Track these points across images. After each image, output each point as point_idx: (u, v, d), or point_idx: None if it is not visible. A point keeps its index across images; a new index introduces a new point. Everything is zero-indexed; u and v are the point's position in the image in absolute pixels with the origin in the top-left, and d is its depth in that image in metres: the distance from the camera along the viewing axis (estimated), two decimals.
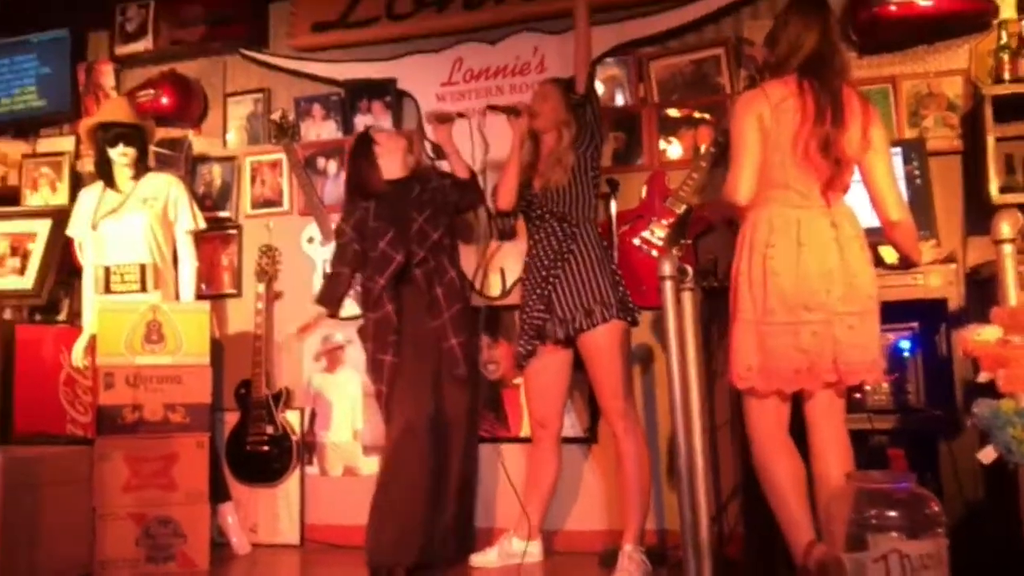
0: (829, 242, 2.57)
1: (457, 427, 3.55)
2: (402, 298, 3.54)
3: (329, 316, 3.68)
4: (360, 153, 3.70)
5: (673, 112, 3.92)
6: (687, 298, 2.79)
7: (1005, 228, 2.27)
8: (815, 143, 2.58)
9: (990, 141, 3.30)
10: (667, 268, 2.70)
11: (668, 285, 2.70)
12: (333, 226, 4.20)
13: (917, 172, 3.34)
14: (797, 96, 2.63)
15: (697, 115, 3.87)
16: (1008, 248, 2.28)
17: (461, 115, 3.75)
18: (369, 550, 3.37)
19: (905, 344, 3.10)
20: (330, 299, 3.65)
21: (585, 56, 3.54)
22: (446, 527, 3.50)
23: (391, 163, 3.69)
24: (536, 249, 3.51)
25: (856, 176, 2.71)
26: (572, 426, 3.86)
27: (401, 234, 3.54)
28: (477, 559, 3.54)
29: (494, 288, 4.07)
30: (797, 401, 2.69)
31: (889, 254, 3.12)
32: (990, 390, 2.29)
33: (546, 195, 3.47)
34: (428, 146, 3.96)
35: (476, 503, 3.76)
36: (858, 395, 2.99)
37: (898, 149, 3.34)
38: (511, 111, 3.58)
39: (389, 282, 3.51)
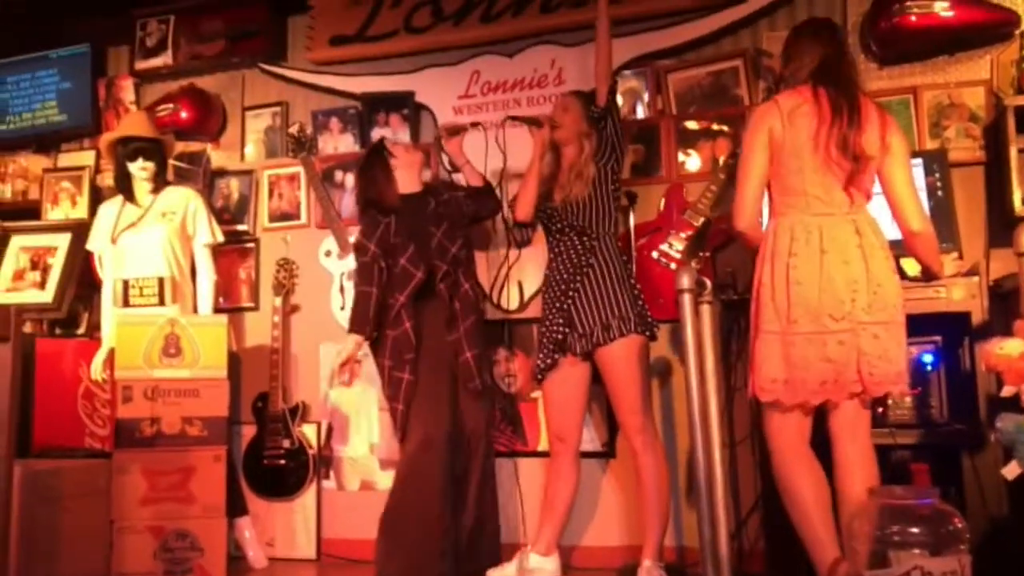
0: (853, 249, 2.55)
1: (476, 440, 3.54)
2: (422, 314, 3.53)
3: (365, 340, 3.58)
4: (374, 165, 3.67)
5: (691, 124, 3.91)
6: (705, 311, 2.77)
7: None
8: (833, 142, 2.58)
9: (1013, 152, 3.27)
10: (686, 281, 2.68)
11: (687, 298, 2.68)
12: (351, 239, 4.20)
13: (939, 184, 3.30)
14: (812, 102, 2.63)
15: (715, 127, 3.85)
16: None
17: (475, 125, 3.74)
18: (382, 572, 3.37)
19: (928, 358, 3.06)
20: (363, 323, 3.53)
21: (606, 69, 3.52)
22: (467, 542, 3.48)
23: (407, 177, 3.68)
24: (556, 263, 3.50)
25: (877, 188, 2.69)
26: (590, 440, 3.83)
27: (421, 249, 3.53)
28: (495, 574, 3.51)
29: (512, 301, 4.06)
30: (821, 415, 2.66)
31: (911, 266, 3.09)
32: (1014, 404, 2.25)
33: (566, 208, 3.45)
34: (444, 159, 3.95)
35: (499, 517, 3.70)
36: (880, 409, 2.95)
37: (919, 160, 3.32)
38: (532, 122, 3.57)
39: (409, 299, 3.49)
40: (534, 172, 3.54)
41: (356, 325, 3.54)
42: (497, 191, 3.86)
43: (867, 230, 2.58)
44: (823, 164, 2.60)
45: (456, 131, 3.72)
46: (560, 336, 3.39)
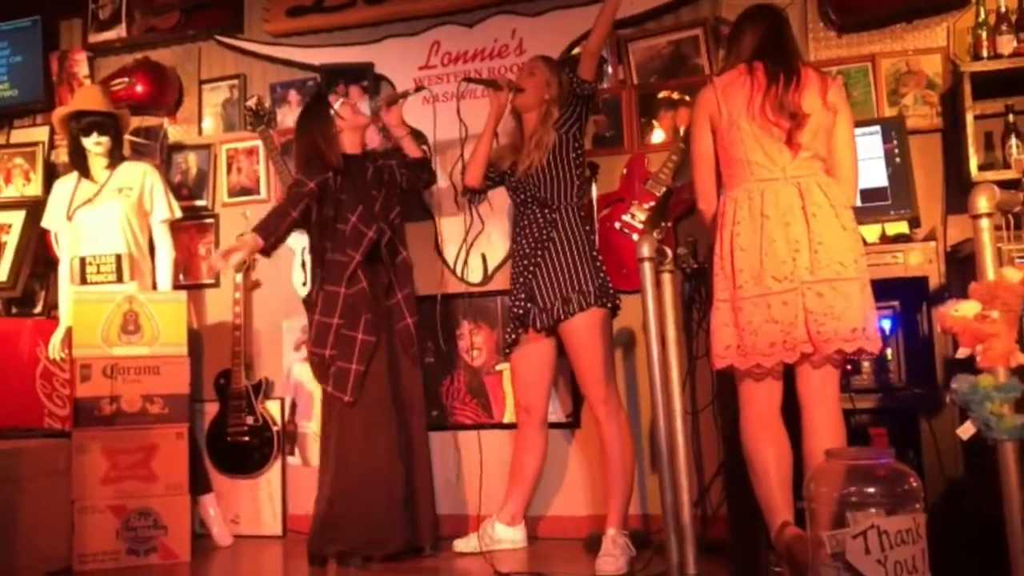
0: (796, 211, 2.57)
1: (416, 409, 3.57)
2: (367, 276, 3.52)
3: (261, 252, 3.47)
4: (318, 119, 3.59)
5: (652, 94, 3.89)
6: (666, 280, 2.79)
7: (982, 203, 2.24)
8: (769, 105, 2.62)
9: (969, 119, 3.29)
10: (646, 249, 2.70)
11: (647, 267, 2.69)
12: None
13: (897, 151, 3.32)
14: (745, 74, 2.71)
15: (676, 96, 3.84)
16: (985, 223, 2.26)
17: (418, 89, 3.75)
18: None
19: (886, 323, 3.08)
20: (269, 232, 3.42)
21: (601, 44, 3.52)
22: (409, 510, 3.48)
23: (350, 139, 3.65)
24: (519, 236, 3.49)
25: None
26: (555, 412, 3.84)
27: (368, 211, 3.51)
28: (461, 544, 3.53)
29: (475, 274, 4.05)
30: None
31: (869, 233, 3.13)
32: (969, 366, 2.28)
33: (528, 179, 3.43)
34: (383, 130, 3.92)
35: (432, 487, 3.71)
36: (849, 367, 2.97)
37: (877, 128, 3.34)
38: (491, 84, 3.55)
39: (363, 258, 3.46)
40: (487, 136, 3.53)
41: (263, 230, 3.42)
42: (436, 161, 3.88)
43: (813, 190, 2.60)
44: (761, 128, 2.65)
45: (394, 100, 3.72)
46: (522, 311, 3.40)
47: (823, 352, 2.55)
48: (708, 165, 2.80)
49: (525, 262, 3.42)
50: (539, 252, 3.39)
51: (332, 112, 3.62)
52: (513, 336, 3.46)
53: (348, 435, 3.44)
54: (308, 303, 3.59)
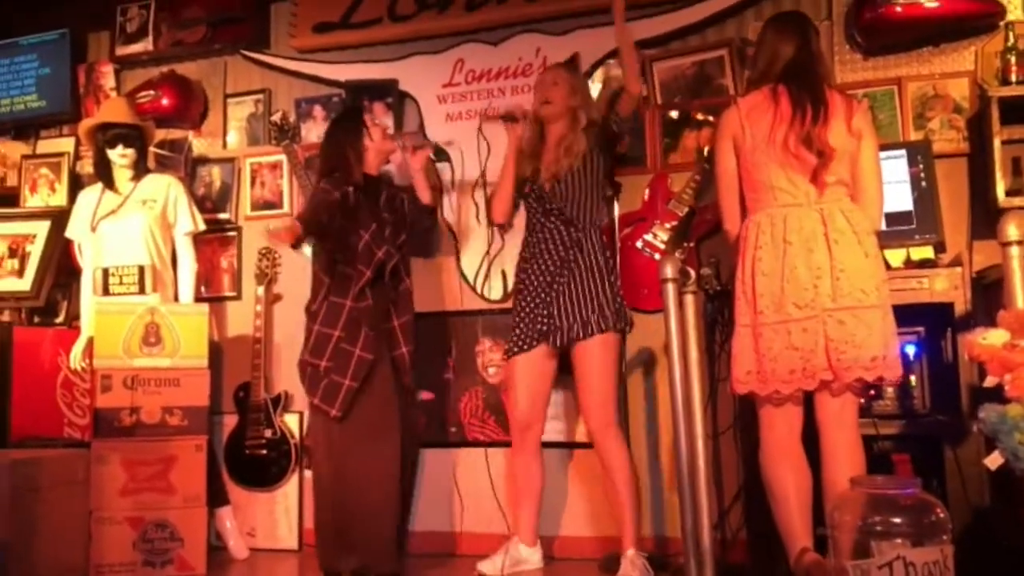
0: (819, 237, 2.56)
1: (391, 434, 3.45)
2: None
3: (308, 235, 3.48)
4: (351, 133, 3.59)
5: (676, 114, 3.88)
6: (689, 301, 2.77)
7: (1012, 230, 2.23)
8: (794, 138, 2.61)
9: (996, 144, 3.26)
10: (669, 270, 2.68)
11: (670, 287, 2.68)
12: None
13: (922, 175, 3.30)
14: (769, 99, 2.69)
15: (700, 117, 3.82)
16: (1015, 250, 2.25)
17: (449, 143, 3.83)
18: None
19: (910, 349, 3.06)
20: (316, 224, 3.39)
21: (640, 82, 3.50)
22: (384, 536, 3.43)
23: (372, 160, 3.63)
24: (539, 249, 3.45)
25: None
26: (568, 431, 3.83)
27: (380, 231, 3.51)
28: (484, 566, 3.48)
29: (495, 291, 4.04)
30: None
31: (895, 258, 3.11)
32: (997, 395, 2.25)
33: (554, 192, 3.41)
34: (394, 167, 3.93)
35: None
36: (872, 392, 2.95)
37: (903, 151, 3.33)
38: (507, 118, 3.53)
39: (373, 275, 3.45)
40: (509, 172, 3.52)
41: (312, 222, 3.38)
42: (457, 184, 3.94)
43: (836, 217, 2.58)
44: (783, 158, 2.64)
45: (420, 146, 3.75)
46: (543, 327, 3.37)
47: (843, 380, 2.53)
48: (732, 186, 2.80)
49: (548, 279, 3.39)
50: (563, 272, 3.36)
51: (365, 129, 3.61)
52: (525, 346, 3.42)
53: (338, 450, 3.39)
54: (309, 312, 3.56)
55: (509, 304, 3.99)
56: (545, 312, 3.38)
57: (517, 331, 3.46)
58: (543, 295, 3.39)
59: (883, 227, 2.86)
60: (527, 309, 3.45)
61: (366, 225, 3.47)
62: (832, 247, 2.54)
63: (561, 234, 3.41)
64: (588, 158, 3.41)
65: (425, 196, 3.73)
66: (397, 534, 3.45)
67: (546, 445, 3.65)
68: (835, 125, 2.62)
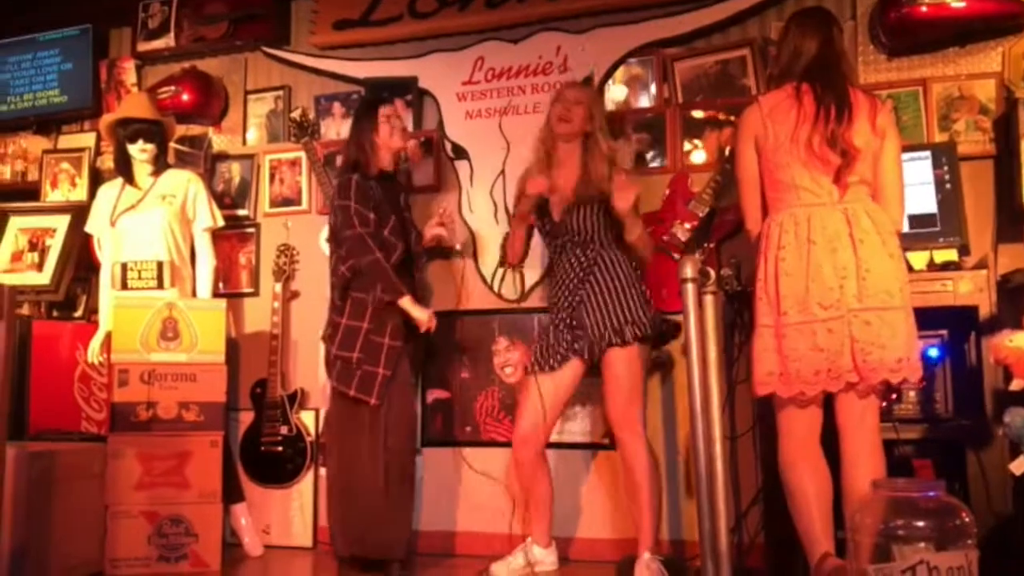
0: (843, 237, 2.53)
1: (408, 426, 3.53)
2: None
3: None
4: (365, 128, 3.56)
5: (697, 114, 3.85)
6: (709, 302, 2.73)
7: None
8: (818, 138, 2.58)
9: (1023, 146, 3.21)
10: (689, 270, 2.65)
11: (690, 287, 2.65)
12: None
13: (947, 177, 3.26)
14: (793, 98, 2.66)
15: (722, 117, 3.80)
16: None
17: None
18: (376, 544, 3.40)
19: (933, 352, 3.02)
20: (394, 286, 3.38)
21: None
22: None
23: (385, 156, 3.59)
24: (559, 275, 3.44)
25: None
26: (588, 432, 3.80)
27: (400, 225, 3.52)
28: (498, 568, 3.45)
29: (511, 291, 4.02)
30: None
31: (917, 260, 3.07)
32: (1022, 399, 2.21)
33: (564, 223, 3.38)
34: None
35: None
36: (893, 396, 2.91)
37: (928, 153, 3.29)
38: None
39: (394, 268, 3.43)
40: (522, 224, 3.51)
41: (390, 291, 3.37)
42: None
43: (860, 217, 2.55)
44: (807, 158, 2.61)
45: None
46: (574, 343, 3.34)
47: (869, 382, 2.50)
48: (754, 186, 2.77)
49: (569, 298, 3.37)
50: (583, 287, 3.34)
51: (376, 124, 3.57)
52: (552, 362, 3.37)
53: (375, 437, 3.39)
54: (334, 306, 3.54)
55: (526, 304, 3.99)
56: (572, 326, 3.35)
57: (542, 346, 3.42)
58: (567, 312, 3.37)
59: (906, 229, 2.83)
60: (552, 326, 3.43)
61: (386, 220, 3.47)
62: (857, 247, 2.51)
63: (578, 257, 3.38)
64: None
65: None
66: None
67: (567, 446, 3.64)
68: (859, 125, 2.59)
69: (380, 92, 4.20)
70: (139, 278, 3.91)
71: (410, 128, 4.10)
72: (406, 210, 3.63)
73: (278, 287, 4.21)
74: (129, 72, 4.76)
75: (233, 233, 4.45)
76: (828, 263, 2.52)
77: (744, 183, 2.81)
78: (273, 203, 4.46)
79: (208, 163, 4.55)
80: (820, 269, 2.53)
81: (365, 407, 3.36)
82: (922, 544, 1.76)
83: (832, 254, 2.53)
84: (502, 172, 3.91)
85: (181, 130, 4.47)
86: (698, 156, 3.85)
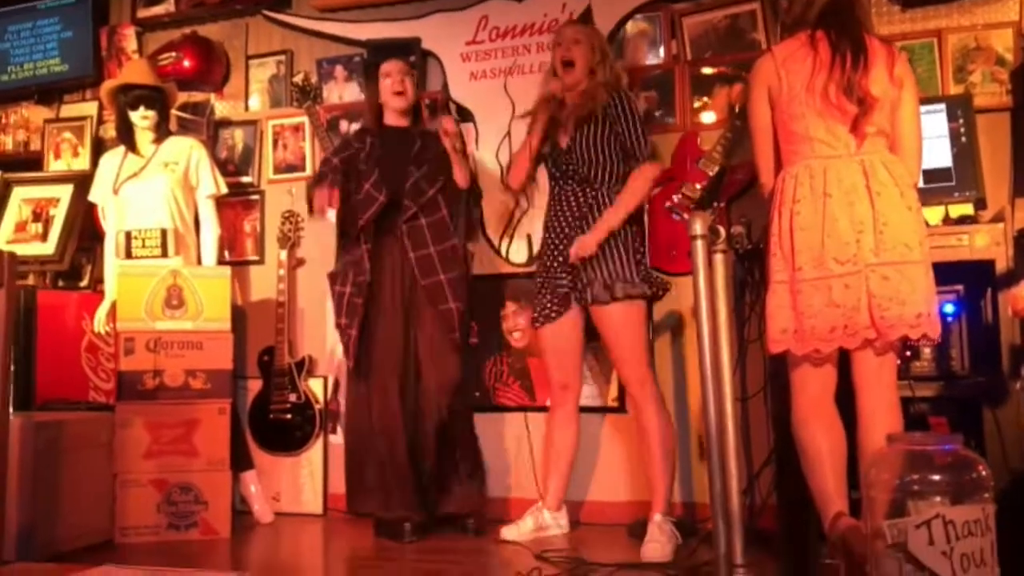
0: (860, 189, 2.45)
1: (451, 391, 3.53)
2: (382, 248, 3.54)
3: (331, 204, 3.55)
4: (370, 87, 3.68)
5: (706, 70, 3.78)
6: (719, 260, 2.67)
7: None
8: (835, 86, 2.49)
9: None
10: (698, 227, 2.58)
11: (699, 245, 2.58)
12: None
13: (963, 130, 3.18)
14: (808, 46, 2.57)
15: (732, 73, 3.72)
16: None
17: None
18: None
19: (949, 308, 2.95)
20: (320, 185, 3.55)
21: None
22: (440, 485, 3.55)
23: (391, 113, 3.63)
24: (556, 212, 3.40)
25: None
26: (598, 396, 3.77)
27: (386, 178, 3.50)
28: (509, 532, 3.44)
29: (520, 255, 3.97)
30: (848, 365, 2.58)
31: (932, 215, 3.00)
32: None
33: (571, 152, 3.34)
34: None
35: (479, 464, 3.70)
36: (908, 353, 2.85)
37: (943, 106, 3.21)
38: (542, 109, 3.40)
39: (368, 223, 3.48)
40: (531, 148, 3.42)
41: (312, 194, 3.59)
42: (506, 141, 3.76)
43: (878, 169, 2.48)
44: (823, 107, 2.53)
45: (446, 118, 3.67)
46: (564, 291, 3.32)
47: (887, 338, 2.44)
48: (767, 138, 2.69)
49: (564, 240, 3.34)
50: (579, 232, 3.30)
51: (378, 81, 3.60)
52: (552, 313, 3.37)
53: (357, 407, 3.57)
54: (330, 276, 3.68)
55: (534, 268, 3.94)
56: (565, 273, 3.31)
57: (540, 300, 3.41)
58: (561, 258, 3.33)
59: (921, 184, 2.76)
60: (547, 275, 3.40)
61: (368, 176, 3.51)
62: (875, 200, 2.44)
63: (577, 196, 3.34)
64: (605, 112, 3.31)
65: (458, 177, 3.61)
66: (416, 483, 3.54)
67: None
68: (876, 73, 2.51)
69: (381, 54, 4.13)
70: (143, 246, 3.88)
71: (412, 90, 4.03)
72: (415, 164, 3.56)
73: (283, 254, 4.17)
74: (130, 39, 4.71)
75: (237, 200, 4.41)
76: (844, 216, 2.45)
77: (757, 136, 2.73)
78: (277, 169, 4.41)
79: (211, 130, 4.51)
80: (836, 223, 2.46)
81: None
82: (938, 498, 1.72)
83: (849, 207, 2.46)
84: (508, 134, 3.85)
85: (183, 97, 4.42)
86: (707, 113, 3.77)
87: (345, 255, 3.57)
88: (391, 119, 3.64)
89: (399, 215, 3.52)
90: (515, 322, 3.96)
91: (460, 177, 3.60)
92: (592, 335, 3.42)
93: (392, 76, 3.60)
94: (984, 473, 1.75)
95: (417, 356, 3.55)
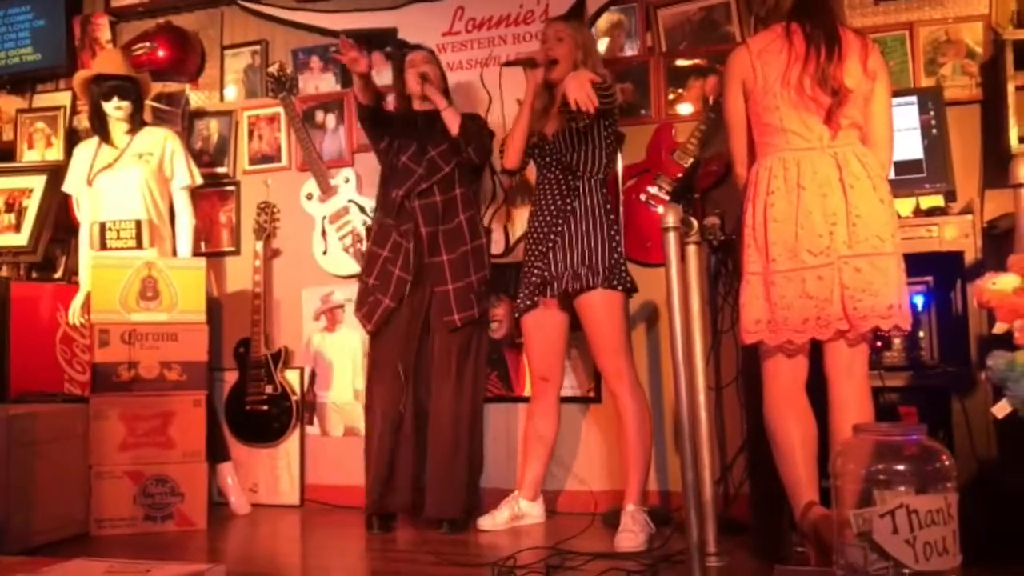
0: (832, 182, 2.48)
1: (445, 376, 3.50)
2: (402, 223, 3.56)
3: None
4: (398, 77, 3.80)
5: (681, 62, 3.79)
6: (692, 251, 2.70)
7: (1023, 171, 2.16)
8: (809, 77, 2.52)
9: (1010, 89, 3.17)
10: (671, 219, 2.60)
11: (672, 237, 2.60)
12: (333, 182, 4.13)
13: (933, 122, 3.21)
14: (783, 38, 2.59)
15: (706, 64, 3.74)
16: None
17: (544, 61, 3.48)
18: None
19: (919, 299, 2.99)
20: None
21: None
22: (433, 478, 3.49)
23: (418, 100, 3.67)
24: (540, 200, 3.43)
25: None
26: (575, 386, 3.78)
27: (419, 154, 3.56)
28: (485, 522, 3.46)
29: (497, 245, 3.98)
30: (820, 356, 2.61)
31: (903, 207, 3.03)
32: (1006, 342, 2.19)
33: (555, 141, 3.36)
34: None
35: (481, 459, 3.68)
36: (879, 344, 2.88)
37: (914, 98, 3.23)
38: (529, 63, 3.41)
39: (406, 195, 3.53)
40: (525, 116, 3.43)
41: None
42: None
43: (851, 161, 2.50)
44: (798, 99, 2.55)
45: (425, 78, 3.59)
46: (539, 279, 3.34)
47: (859, 329, 2.47)
48: (742, 130, 2.72)
49: (545, 230, 3.36)
50: (559, 222, 3.32)
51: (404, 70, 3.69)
52: (529, 302, 3.40)
53: (369, 383, 3.65)
54: (367, 229, 3.93)
55: (512, 258, 3.95)
56: (541, 264, 3.34)
57: (522, 290, 3.43)
58: (541, 247, 3.36)
59: (892, 175, 2.78)
60: (528, 264, 3.43)
61: (406, 148, 3.57)
62: (848, 192, 2.46)
63: (559, 183, 3.36)
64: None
65: (451, 124, 3.53)
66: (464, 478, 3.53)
67: None
68: (850, 65, 2.53)
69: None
70: (118, 238, 3.87)
71: (390, 80, 4.04)
72: (432, 143, 3.57)
73: (259, 246, 4.16)
74: (103, 28, 4.66)
75: (213, 191, 4.39)
76: (818, 209, 2.48)
77: (732, 127, 2.76)
78: (252, 160, 4.40)
79: (186, 121, 4.49)
80: (809, 215, 2.48)
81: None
82: (902, 488, 1.74)
83: (822, 199, 2.48)
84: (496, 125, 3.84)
85: (158, 87, 4.40)
86: (682, 105, 3.79)
87: (382, 215, 3.62)
88: (417, 104, 3.66)
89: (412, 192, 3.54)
90: (492, 312, 3.97)
91: (450, 122, 3.53)
92: (576, 327, 3.43)
93: (416, 66, 3.62)
94: (948, 463, 1.78)
95: (424, 339, 3.56)
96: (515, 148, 3.48)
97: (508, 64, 3.54)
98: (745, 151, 2.74)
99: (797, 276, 2.49)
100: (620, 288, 3.28)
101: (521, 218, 3.93)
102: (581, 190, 3.32)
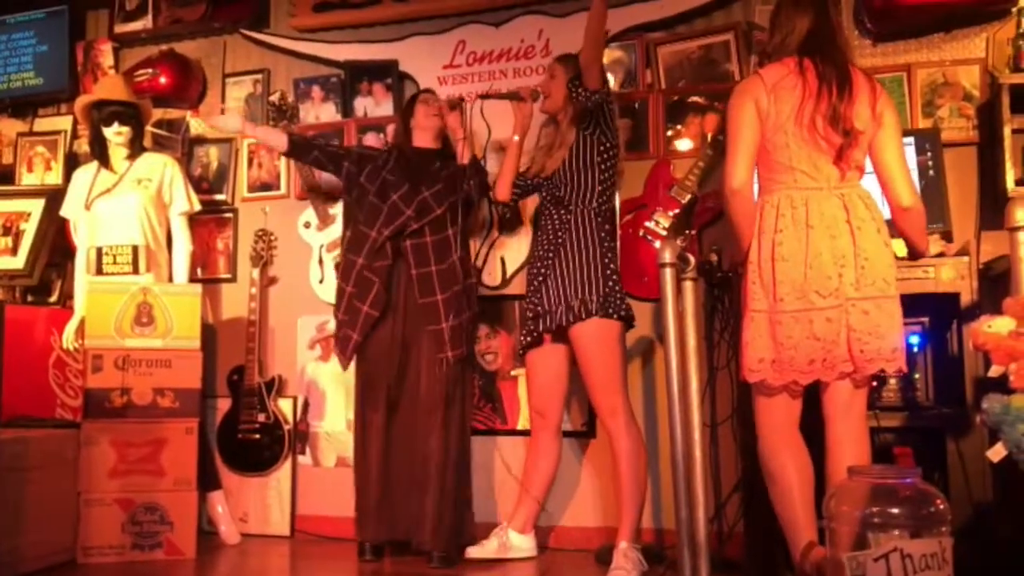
0: (841, 224, 2.47)
1: (435, 411, 3.47)
2: (393, 263, 3.55)
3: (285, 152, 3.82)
4: (405, 113, 3.79)
5: (680, 99, 3.81)
6: (688, 288, 2.69)
7: (1020, 214, 2.17)
8: (821, 116, 2.50)
9: (1007, 132, 3.19)
10: (667, 255, 2.60)
11: (668, 273, 2.60)
12: (331, 211, 4.13)
13: (931, 163, 3.23)
14: (796, 74, 2.56)
15: (705, 102, 3.76)
16: (1022, 236, 2.17)
17: (460, 100, 3.64)
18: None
19: (914, 339, 2.99)
20: (298, 141, 3.79)
21: (595, 51, 3.25)
22: (425, 512, 3.44)
23: (423, 135, 3.70)
24: (538, 235, 3.47)
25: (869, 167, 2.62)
26: (569, 421, 3.77)
27: (412, 193, 3.54)
28: (473, 551, 3.44)
29: (493, 277, 3.98)
30: (814, 395, 2.59)
31: (899, 247, 3.03)
32: (1001, 385, 2.19)
33: (551, 178, 3.41)
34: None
35: (469, 492, 3.66)
36: (874, 383, 2.87)
37: (911, 139, 3.25)
38: (512, 96, 3.48)
39: (392, 235, 3.51)
40: (514, 151, 3.47)
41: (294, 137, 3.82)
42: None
43: (857, 204, 2.50)
44: (809, 138, 2.53)
45: (455, 105, 3.63)
46: (533, 314, 3.36)
47: (865, 371, 2.46)
48: (751, 146, 2.58)
49: (539, 264, 3.39)
50: (551, 254, 3.34)
51: (413, 103, 3.72)
52: (530, 338, 3.40)
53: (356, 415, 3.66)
54: (336, 267, 3.95)
55: (507, 291, 3.95)
56: (536, 300, 3.35)
57: (523, 326, 3.45)
58: (536, 283, 3.38)
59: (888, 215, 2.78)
60: (527, 300, 3.45)
61: (399, 186, 3.55)
62: (855, 234, 2.46)
63: (553, 217, 3.38)
64: (576, 142, 3.35)
65: (463, 155, 3.61)
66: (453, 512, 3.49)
67: None
68: (859, 107, 2.52)
69: (360, 76, 4.16)
70: (114, 263, 3.86)
71: (390, 112, 4.07)
72: (428, 182, 3.56)
73: (255, 273, 4.15)
74: (106, 54, 4.69)
75: (211, 218, 4.39)
76: (827, 250, 2.47)
77: (738, 141, 2.58)
78: (251, 188, 4.41)
79: (186, 147, 4.50)
80: (819, 256, 2.46)
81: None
82: (897, 531, 1.73)
83: (831, 240, 2.47)
84: (483, 158, 3.85)
85: (158, 113, 4.41)
86: (681, 141, 3.81)
87: (350, 253, 3.59)
88: (419, 140, 3.69)
89: (403, 231, 3.53)
90: (487, 344, 3.96)
91: (463, 150, 3.61)
92: (574, 361, 3.41)
93: (431, 102, 3.69)
94: (942, 507, 1.77)
95: (412, 374, 3.55)
96: (505, 181, 3.53)
97: (487, 97, 3.57)
98: (748, 164, 2.59)
99: (805, 317, 2.48)
100: (615, 316, 3.26)
101: (516, 251, 3.93)
102: (572, 223, 3.33)
